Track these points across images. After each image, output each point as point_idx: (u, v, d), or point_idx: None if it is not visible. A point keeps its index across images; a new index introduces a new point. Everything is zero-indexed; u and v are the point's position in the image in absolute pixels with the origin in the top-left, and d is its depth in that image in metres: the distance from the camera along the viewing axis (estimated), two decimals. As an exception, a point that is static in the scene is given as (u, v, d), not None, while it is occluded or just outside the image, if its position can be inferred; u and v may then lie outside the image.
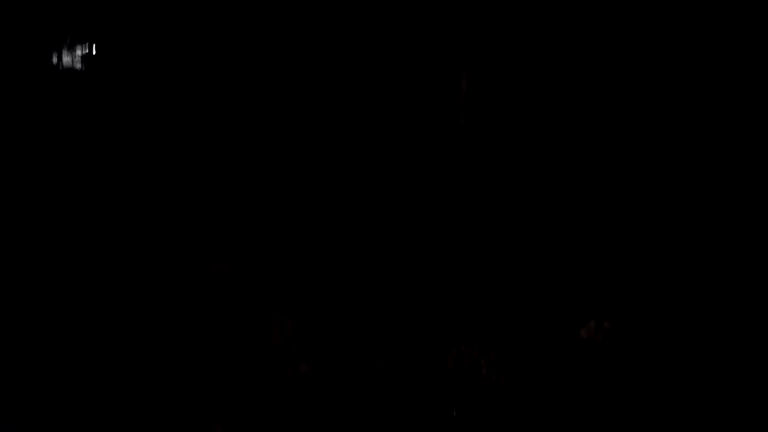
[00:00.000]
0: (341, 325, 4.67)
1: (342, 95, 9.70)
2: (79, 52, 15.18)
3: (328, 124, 9.97)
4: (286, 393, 3.91)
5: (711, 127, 7.23)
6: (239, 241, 6.41)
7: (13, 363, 4.14)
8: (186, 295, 5.16)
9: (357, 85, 9.89)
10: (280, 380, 4.02)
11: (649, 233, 6.13)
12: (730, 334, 4.39)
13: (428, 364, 4.16)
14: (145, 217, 7.21)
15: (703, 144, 7.45)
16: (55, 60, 14.70)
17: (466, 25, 10.05)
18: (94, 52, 14.54)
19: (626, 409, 3.77)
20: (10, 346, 4.33)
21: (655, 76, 8.42)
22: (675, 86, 8.13)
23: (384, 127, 9.90)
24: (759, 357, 4.12)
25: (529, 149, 9.29)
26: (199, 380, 4.01)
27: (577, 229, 6.37)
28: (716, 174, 7.32)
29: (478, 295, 5.07)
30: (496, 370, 4.05)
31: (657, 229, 6.21)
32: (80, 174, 9.16)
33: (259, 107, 9.74)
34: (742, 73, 8.18)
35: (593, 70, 8.84)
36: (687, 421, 3.65)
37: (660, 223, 6.36)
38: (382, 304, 4.98)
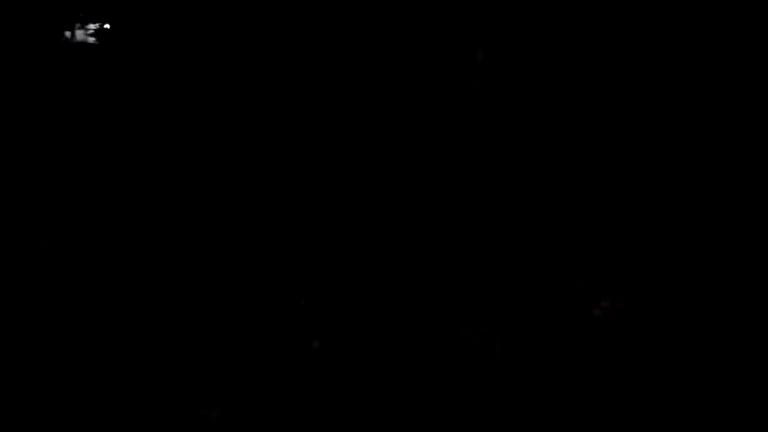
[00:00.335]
0: (356, 306, 4.67)
1: (359, 75, 9.60)
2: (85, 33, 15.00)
3: (344, 103, 9.91)
4: (301, 370, 3.93)
5: (730, 114, 7.11)
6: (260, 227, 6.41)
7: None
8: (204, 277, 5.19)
9: (374, 64, 9.79)
10: (296, 357, 4.04)
11: (663, 214, 6.06)
12: (742, 315, 4.35)
13: (441, 342, 4.16)
14: (150, 211, 7.23)
15: (719, 130, 7.34)
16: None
17: (480, 5, 9.90)
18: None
19: (638, 387, 3.75)
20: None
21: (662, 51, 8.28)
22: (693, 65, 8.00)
23: (399, 106, 9.83)
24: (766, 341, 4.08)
25: (543, 127, 9.20)
26: (213, 359, 4.04)
27: (591, 210, 6.31)
28: (725, 164, 7.21)
29: (491, 274, 5.04)
30: (508, 348, 4.04)
31: (672, 211, 6.14)
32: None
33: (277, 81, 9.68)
34: (741, 73, 8.04)
35: (603, 52, 8.69)
36: (698, 399, 3.63)
37: (675, 205, 6.28)
38: (396, 284, 4.97)
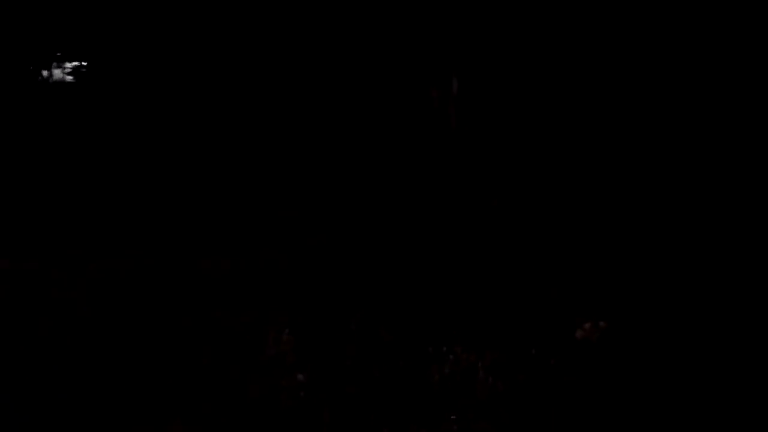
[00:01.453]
0: (337, 331, 4.66)
1: (339, 98, 9.70)
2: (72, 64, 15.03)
3: (326, 125, 9.92)
4: (284, 400, 3.90)
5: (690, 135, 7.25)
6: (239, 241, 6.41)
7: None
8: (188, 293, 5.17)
9: (353, 89, 9.89)
10: (277, 389, 4.01)
11: (641, 235, 6.14)
12: (724, 332, 4.40)
13: (426, 368, 4.15)
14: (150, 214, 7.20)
15: (690, 149, 7.46)
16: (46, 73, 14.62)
17: (454, 33, 10.03)
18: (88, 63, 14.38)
19: (622, 406, 3.76)
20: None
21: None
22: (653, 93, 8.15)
23: (378, 130, 9.87)
24: (749, 356, 4.12)
25: (520, 150, 9.28)
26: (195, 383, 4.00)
27: (570, 231, 6.37)
28: (704, 183, 7.33)
29: (473, 298, 5.06)
30: (492, 372, 4.05)
31: (649, 231, 6.21)
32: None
33: (259, 112, 9.72)
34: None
35: (574, 76, 8.83)
36: (682, 418, 3.65)
37: (652, 225, 6.36)
38: (379, 308, 4.97)
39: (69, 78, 17.35)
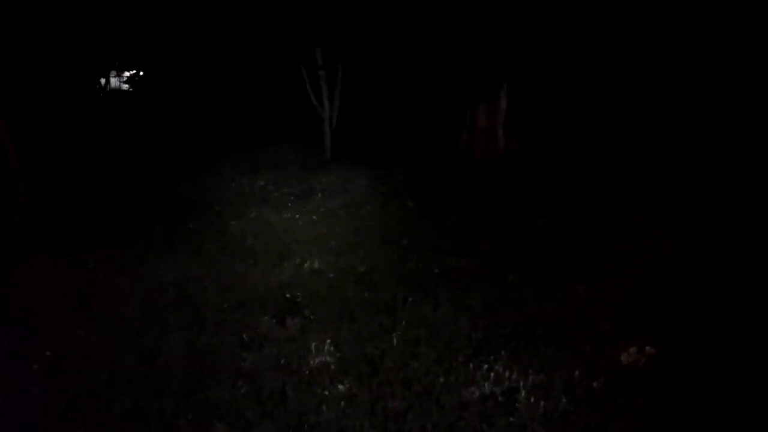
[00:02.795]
0: (379, 342, 4.67)
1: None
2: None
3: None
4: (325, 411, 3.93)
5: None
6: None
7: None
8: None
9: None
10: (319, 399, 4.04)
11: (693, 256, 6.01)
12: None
13: (466, 385, 4.13)
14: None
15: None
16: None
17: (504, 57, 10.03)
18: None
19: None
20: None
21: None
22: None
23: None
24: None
25: (567, 172, 9.17)
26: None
27: (614, 255, 6.28)
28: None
29: (514, 318, 5.02)
30: (534, 393, 4.00)
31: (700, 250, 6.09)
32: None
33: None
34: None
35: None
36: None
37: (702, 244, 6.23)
38: (416, 324, 4.97)
39: (125, 86, 18.02)
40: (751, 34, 10.48)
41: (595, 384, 4.08)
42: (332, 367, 4.40)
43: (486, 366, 4.30)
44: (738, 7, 10.42)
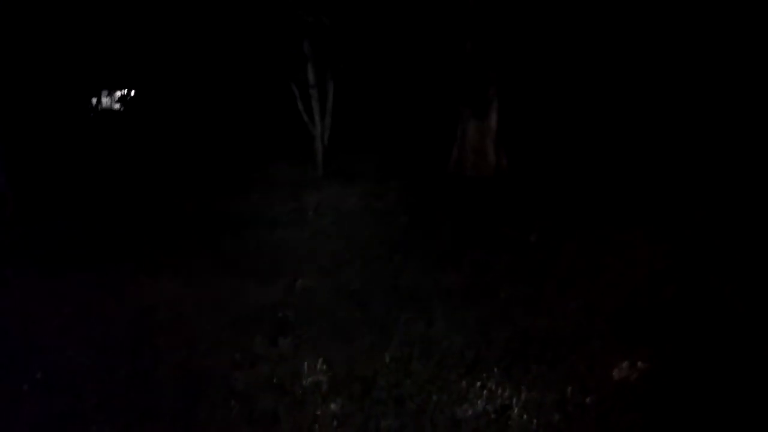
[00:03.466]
0: (372, 361, 4.66)
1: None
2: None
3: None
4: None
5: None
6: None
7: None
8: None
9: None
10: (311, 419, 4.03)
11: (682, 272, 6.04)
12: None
13: (459, 402, 4.13)
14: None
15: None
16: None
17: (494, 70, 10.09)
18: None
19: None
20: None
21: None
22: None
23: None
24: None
25: (557, 186, 9.23)
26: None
27: (607, 270, 6.30)
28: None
29: (507, 334, 5.02)
30: (526, 410, 4.00)
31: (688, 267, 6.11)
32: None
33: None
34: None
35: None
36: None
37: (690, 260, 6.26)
38: (409, 342, 4.97)
39: (116, 106, 18.04)
40: (739, 49, 10.61)
41: (587, 400, 4.10)
42: (325, 386, 4.39)
43: (479, 383, 4.31)
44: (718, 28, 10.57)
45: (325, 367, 4.60)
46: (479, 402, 4.13)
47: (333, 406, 4.14)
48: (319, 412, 4.10)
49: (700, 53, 11.21)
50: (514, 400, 4.12)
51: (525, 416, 3.96)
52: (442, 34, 10.90)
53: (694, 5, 10.84)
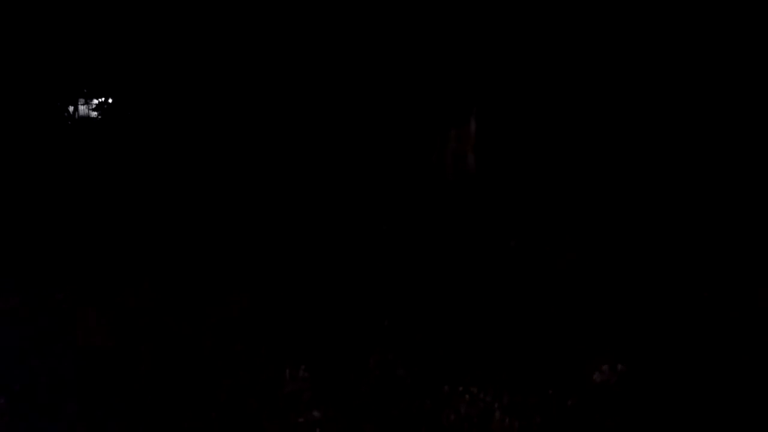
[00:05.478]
0: (354, 368, 4.67)
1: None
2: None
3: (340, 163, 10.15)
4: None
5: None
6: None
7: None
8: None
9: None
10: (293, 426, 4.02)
11: (664, 277, 6.12)
12: (750, 377, 4.36)
13: (442, 407, 4.14)
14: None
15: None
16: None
17: (474, 76, 10.19)
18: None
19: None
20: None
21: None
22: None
23: (394, 169, 9.98)
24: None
25: (537, 191, 9.30)
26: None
27: (589, 272, 6.36)
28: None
29: (490, 339, 5.06)
30: (509, 413, 4.03)
31: (671, 273, 6.20)
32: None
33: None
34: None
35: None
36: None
37: (674, 268, 6.35)
38: (396, 345, 4.98)
39: (93, 114, 17.85)
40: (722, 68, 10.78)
41: (569, 402, 4.14)
42: (307, 393, 4.39)
43: (461, 388, 4.33)
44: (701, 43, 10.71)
45: (307, 374, 4.59)
46: (462, 407, 4.15)
47: (316, 413, 4.13)
48: None
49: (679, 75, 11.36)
50: (496, 404, 4.15)
51: (507, 420, 3.99)
52: (424, 51, 10.97)
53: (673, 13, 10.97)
